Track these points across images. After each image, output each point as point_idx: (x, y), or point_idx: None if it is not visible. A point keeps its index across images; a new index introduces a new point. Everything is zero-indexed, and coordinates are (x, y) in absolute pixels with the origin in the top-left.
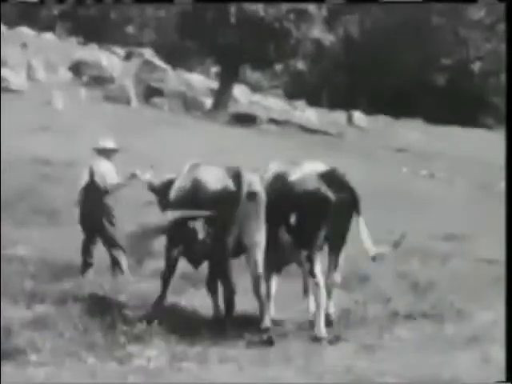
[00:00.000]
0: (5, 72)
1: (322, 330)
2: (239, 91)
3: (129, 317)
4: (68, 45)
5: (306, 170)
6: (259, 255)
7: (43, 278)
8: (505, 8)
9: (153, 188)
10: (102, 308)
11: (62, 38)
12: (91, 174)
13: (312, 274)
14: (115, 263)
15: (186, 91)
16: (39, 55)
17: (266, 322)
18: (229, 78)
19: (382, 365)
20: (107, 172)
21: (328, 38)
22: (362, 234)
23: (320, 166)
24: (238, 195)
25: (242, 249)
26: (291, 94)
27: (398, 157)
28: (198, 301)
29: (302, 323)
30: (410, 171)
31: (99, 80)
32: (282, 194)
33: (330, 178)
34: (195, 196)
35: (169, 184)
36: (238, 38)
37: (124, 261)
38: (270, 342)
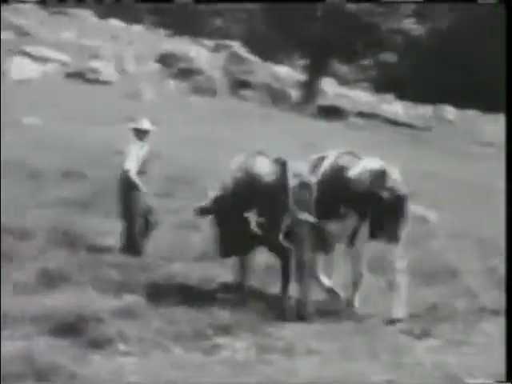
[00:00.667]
0: (96, 63)
1: (397, 311)
2: (326, 84)
3: (216, 308)
4: (156, 37)
5: (365, 167)
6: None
7: (132, 268)
8: (505, 8)
9: None
10: (189, 299)
11: (150, 30)
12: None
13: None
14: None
15: (273, 83)
16: (129, 47)
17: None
18: (316, 70)
19: (470, 360)
20: (129, 155)
21: (417, 30)
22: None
23: (378, 163)
24: (285, 185)
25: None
26: (378, 87)
27: (487, 151)
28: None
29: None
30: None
31: (187, 72)
32: (339, 188)
33: (384, 177)
34: (249, 186)
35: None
36: (325, 31)
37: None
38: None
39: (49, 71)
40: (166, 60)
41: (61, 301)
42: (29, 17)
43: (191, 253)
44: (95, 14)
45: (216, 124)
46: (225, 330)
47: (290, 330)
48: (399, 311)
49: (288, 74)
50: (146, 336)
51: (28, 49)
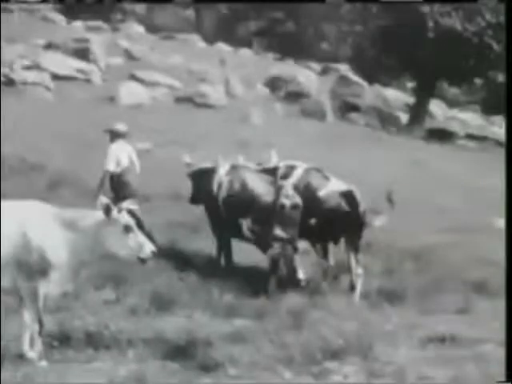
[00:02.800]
0: (204, 88)
1: None
2: (435, 106)
3: (325, 333)
4: (264, 60)
5: (333, 188)
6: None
7: (242, 292)
8: (505, 8)
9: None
10: (298, 323)
11: (258, 54)
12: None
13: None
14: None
15: (381, 106)
16: (237, 71)
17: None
18: (425, 92)
19: None
20: (110, 156)
21: None
22: None
23: (343, 185)
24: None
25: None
26: (488, 109)
27: None
28: None
29: None
30: None
31: (295, 95)
32: (309, 205)
33: (349, 196)
34: (243, 198)
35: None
36: (435, 52)
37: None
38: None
39: (158, 96)
40: (273, 83)
41: (172, 324)
42: (139, 42)
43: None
44: (203, 39)
45: (324, 147)
46: (334, 354)
47: (399, 355)
48: None
49: (397, 96)
50: (255, 360)
51: (138, 74)
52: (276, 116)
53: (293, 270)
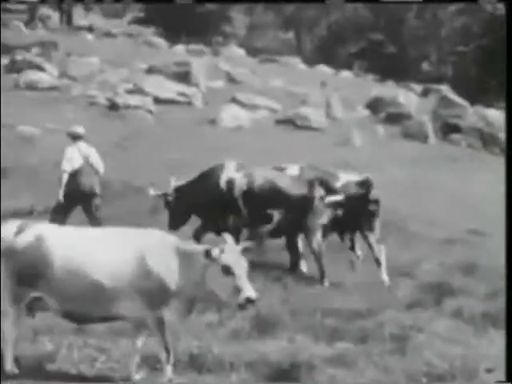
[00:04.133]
0: (305, 110)
1: None
2: None
3: (429, 357)
4: (364, 82)
5: (347, 178)
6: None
7: (343, 315)
8: (505, 8)
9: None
10: (402, 347)
11: (358, 76)
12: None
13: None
14: None
15: (483, 127)
16: (337, 93)
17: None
18: None
19: None
20: (65, 157)
21: None
22: None
23: (355, 176)
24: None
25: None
26: None
27: None
28: None
29: None
30: None
31: (396, 117)
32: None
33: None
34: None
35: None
36: None
37: None
38: None
39: (259, 118)
40: (374, 105)
41: (274, 347)
42: (239, 65)
43: (403, 300)
44: (304, 61)
45: (426, 169)
46: (439, 378)
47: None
48: None
49: (499, 117)
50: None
51: (239, 96)
52: (377, 138)
53: (321, 267)
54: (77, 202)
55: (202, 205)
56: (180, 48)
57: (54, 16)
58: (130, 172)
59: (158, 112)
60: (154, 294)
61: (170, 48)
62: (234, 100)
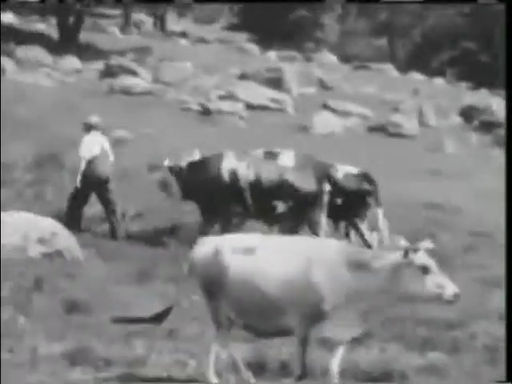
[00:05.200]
0: (397, 117)
1: None
2: None
3: None
4: (458, 90)
5: (345, 170)
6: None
7: (435, 324)
8: (505, 8)
9: None
10: (494, 358)
11: (451, 83)
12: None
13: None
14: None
15: None
16: (430, 100)
17: None
18: None
19: None
20: (83, 145)
21: None
22: None
23: (354, 169)
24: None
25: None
26: None
27: None
28: None
29: None
30: None
31: (489, 125)
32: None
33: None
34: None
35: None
36: None
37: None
38: None
39: (351, 125)
40: (467, 113)
41: (365, 356)
42: (331, 71)
43: (494, 310)
44: (396, 68)
45: None
46: None
47: None
48: None
49: None
50: None
51: (331, 103)
52: (469, 146)
53: None
54: (94, 187)
55: (202, 193)
56: (272, 54)
57: (148, 21)
58: None
59: (250, 118)
60: (312, 307)
61: (262, 54)
62: (326, 106)
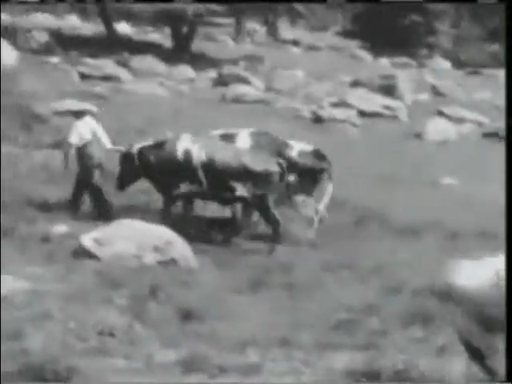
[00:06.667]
0: None
1: None
2: None
3: None
4: None
5: (299, 148)
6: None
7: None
8: (505, 8)
9: None
10: None
11: None
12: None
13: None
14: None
15: None
16: None
17: None
18: None
19: None
20: (73, 130)
21: None
22: None
23: (309, 147)
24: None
25: None
26: None
27: None
28: None
29: None
30: None
31: None
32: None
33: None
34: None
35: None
36: None
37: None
38: None
39: (465, 132)
40: None
41: None
42: (445, 77)
43: None
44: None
45: None
46: None
47: None
48: None
49: None
50: None
51: (445, 110)
52: None
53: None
54: (91, 173)
55: (156, 170)
56: (384, 61)
57: (261, 30)
58: (334, 185)
59: (363, 125)
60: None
61: (374, 61)
62: (440, 113)
